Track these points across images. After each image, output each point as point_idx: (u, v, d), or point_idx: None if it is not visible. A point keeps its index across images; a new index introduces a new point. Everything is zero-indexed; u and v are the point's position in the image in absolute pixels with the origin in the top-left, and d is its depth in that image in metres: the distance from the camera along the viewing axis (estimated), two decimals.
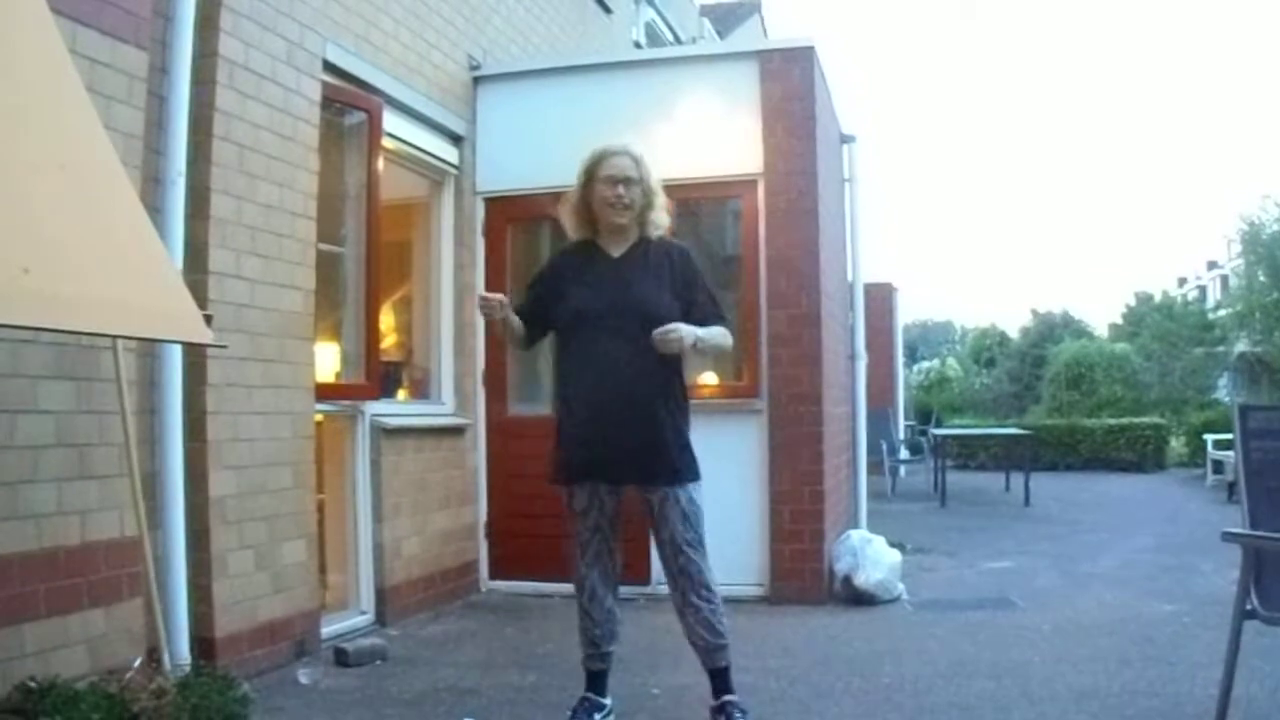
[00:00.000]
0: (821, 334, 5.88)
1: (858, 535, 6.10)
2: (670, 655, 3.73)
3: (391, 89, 5.39)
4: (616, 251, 3.53)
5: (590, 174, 3.49)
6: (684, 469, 3.43)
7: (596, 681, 3.57)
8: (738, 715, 3.40)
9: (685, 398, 3.54)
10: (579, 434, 3.46)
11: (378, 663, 4.47)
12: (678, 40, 11.48)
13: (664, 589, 5.60)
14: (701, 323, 3.44)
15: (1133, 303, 29.37)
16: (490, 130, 6.34)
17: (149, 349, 3.76)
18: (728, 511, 5.15)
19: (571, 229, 3.61)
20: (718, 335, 3.50)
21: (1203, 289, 35.62)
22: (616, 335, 3.37)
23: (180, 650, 3.63)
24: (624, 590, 5.78)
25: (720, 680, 3.46)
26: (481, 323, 6.31)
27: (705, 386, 6.02)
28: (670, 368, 3.45)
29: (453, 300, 6.17)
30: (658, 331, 3.28)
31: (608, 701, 3.58)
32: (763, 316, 5.90)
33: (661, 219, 3.57)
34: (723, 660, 3.47)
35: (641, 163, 3.48)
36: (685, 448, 3.46)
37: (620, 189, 3.44)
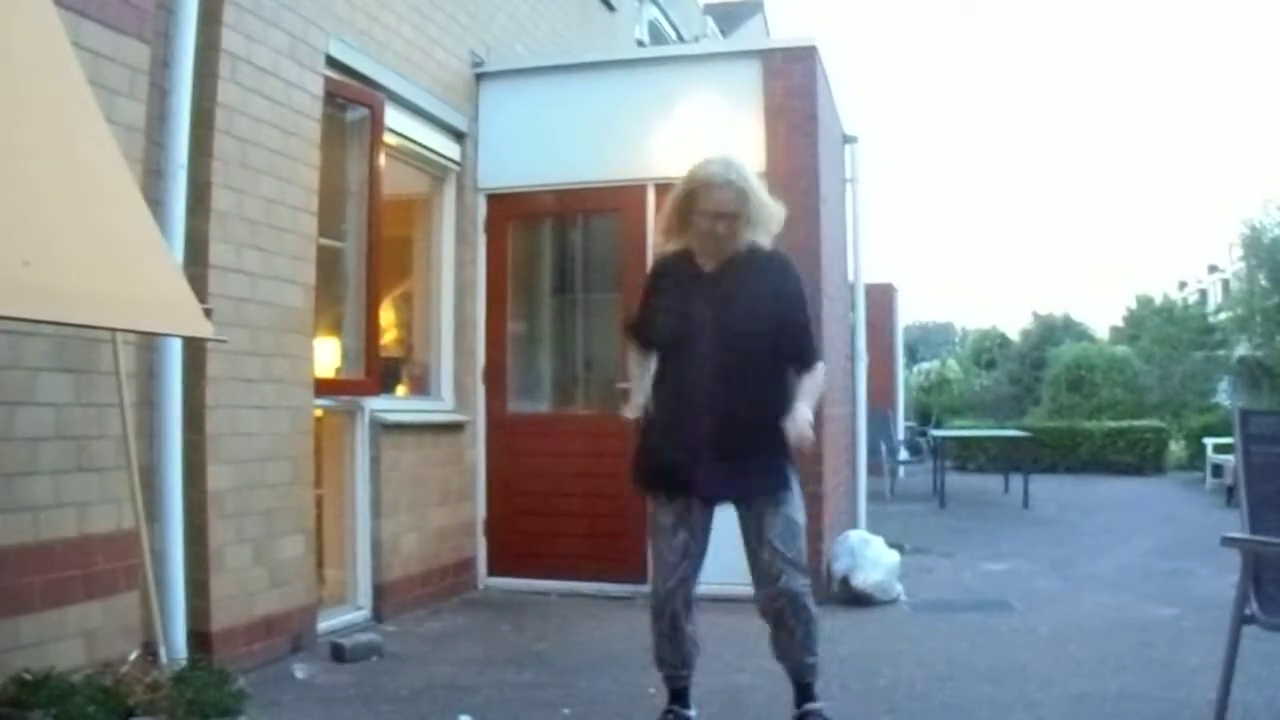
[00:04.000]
0: (822, 334, 5.87)
1: (856, 536, 6.10)
2: None
3: (394, 85, 5.39)
4: (709, 266, 3.35)
5: (690, 200, 3.28)
6: (778, 485, 3.31)
7: (679, 695, 3.44)
8: None
9: (783, 413, 3.39)
10: (669, 454, 3.32)
11: (374, 659, 4.47)
12: (681, 39, 11.48)
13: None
14: (794, 356, 3.31)
15: (1133, 305, 29.31)
16: (492, 127, 6.33)
17: (148, 342, 3.76)
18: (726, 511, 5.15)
19: (662, 242, 3.47)
20: (817, 389, 3.33)
21: (1203, 292, 35.55)
22: (712, 355, 3.25)
23: (176, 644, 3.62)
24: (623, 589, 5.86)
25: (805, 691, 3.39)
26: (482, 319, 6.33)
27: None
28: (767, 384, 3.31)
29: (453, 296, 6.16)
30: (796, 440, 3.12)
31: (693, 713, 3.44)
32: None
33: (767, 233, 3.35)
34: (810, 676, 3.39)
35: (746, 193, 3.24)
36: (780, 465, 3.32)
37: (721, 226, 3.25)
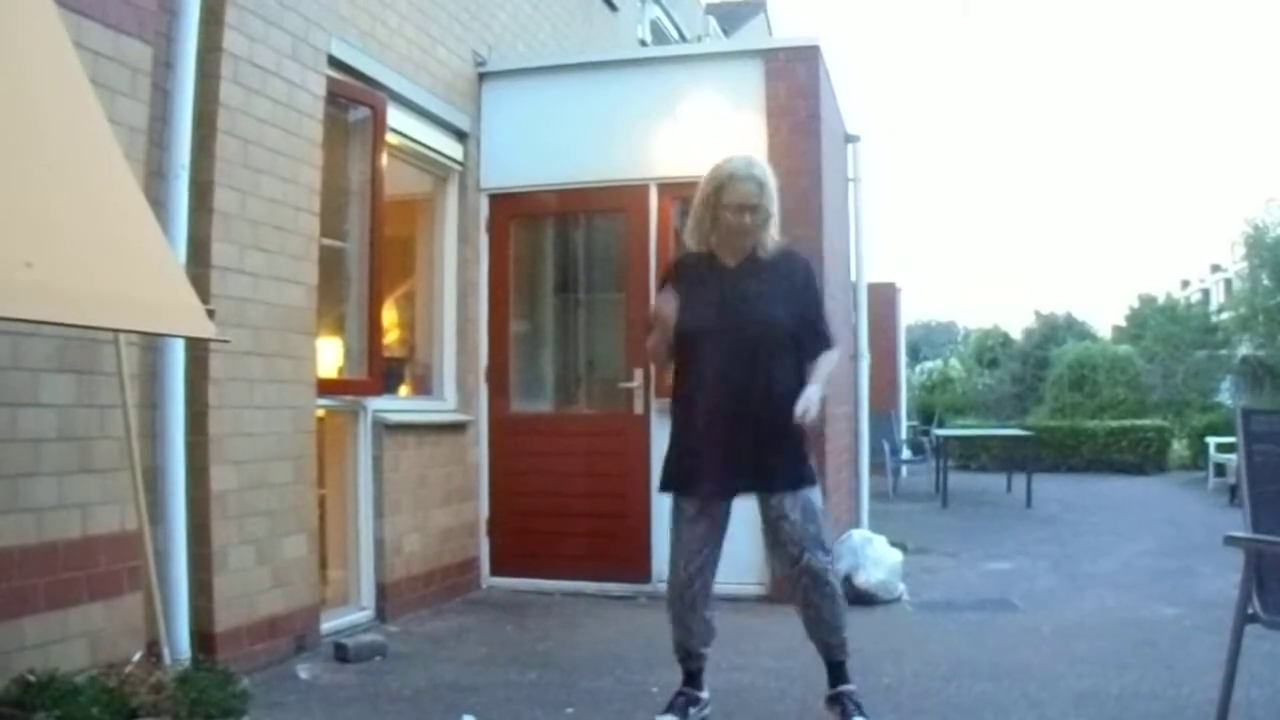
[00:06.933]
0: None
1: (859, 535, 6.10)
2: (670, 653, 3.74)
3: (396, 84, 5.39)
4: (732, 261, 3.50)
5: (716, 197, 3.44)
6: (803, 476, 3.44)
7: (693, 678, 3.57)
8: (851, 706, 3.44)
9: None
10: (695, 448, 3.45)
11: (377, 659, 4.47)
12: (683, 38, 11.48)
13: (665, 588, 5.63)
14: (813, 346, 3.48)
15: (1136, 305, 29.31)
16: (495, 127, 6.34)
17: (151, 343, 3.76)
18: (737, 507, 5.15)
19: (693, 243, 3.58)
20: (829, 369, 3.51)
21: (1206, 292, 35.53)
22: (734, 349, 3.38)
23: (180, 645, 3.62)
24: (626, 589, 5.85)
25: (837, 671, 3.51)
26: (484, 319, 6.33)
27: None
28: (789, 378, 3.42)
29: (455, 296, 6.16)
30: (801, 416, 3.29)
31: (705, 694, 3.57)
32: None
33: (774, 231, 3.52)
34: (841, 654, 3.51)
35: (766, 185, 3.43)
36: (801, 454, 3.46)
37: (747, 217, 3.41)
